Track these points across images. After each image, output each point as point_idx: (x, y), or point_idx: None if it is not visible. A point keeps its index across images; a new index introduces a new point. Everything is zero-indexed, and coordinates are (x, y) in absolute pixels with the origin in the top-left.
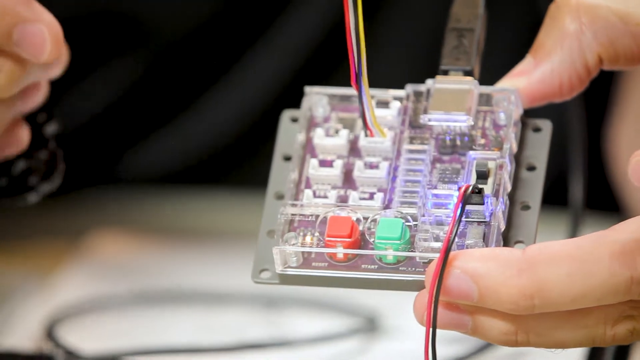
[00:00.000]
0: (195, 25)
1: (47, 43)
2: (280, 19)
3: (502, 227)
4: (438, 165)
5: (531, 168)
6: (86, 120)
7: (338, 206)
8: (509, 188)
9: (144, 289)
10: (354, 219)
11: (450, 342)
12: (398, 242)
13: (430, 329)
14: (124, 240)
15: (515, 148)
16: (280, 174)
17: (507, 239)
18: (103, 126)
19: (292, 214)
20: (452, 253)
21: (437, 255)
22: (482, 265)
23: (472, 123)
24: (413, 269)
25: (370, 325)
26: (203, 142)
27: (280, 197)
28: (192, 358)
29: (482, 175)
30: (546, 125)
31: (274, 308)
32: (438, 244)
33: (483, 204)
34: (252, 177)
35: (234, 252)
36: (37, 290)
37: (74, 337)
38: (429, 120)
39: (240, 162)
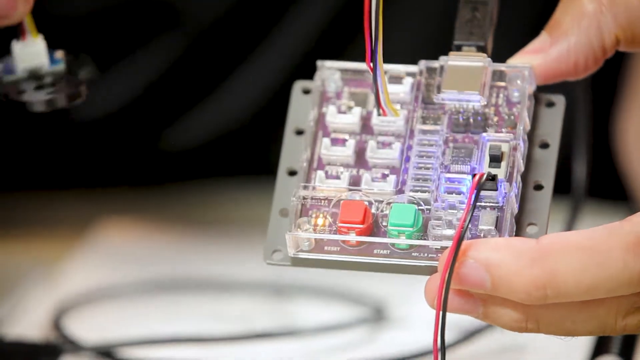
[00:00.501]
0: (223, 10)
1: None
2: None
3: (515, 211)
4: (451, 144)
5: (544, 145)
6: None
7: (350, 190)
8: (522, 169)
9: (151, 277)
10: (367, 203)
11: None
12: (411, 229)
13: (440, 323)
14: (132, 229)
15: (528, 126)
16: (292, 148)
17: (519, 221)
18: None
19: (304, 197)
20: (465, 242)
21: (450, 243)
22: (495, 255)
23: (485, 103)
24: (426, 254)
25: (378, 315)
26: (217, 129)
27: (292, 172)
28: (200, 347)
29: (496, 159)
30: (559, 101)
31: (283, 297)
32: (451, 232)
33: (497, 189)
34: (266, 163)
35: (243, 240)
36: (43, 279)
37: (81, 326)
38: (442, 99)
39: (257, 148)
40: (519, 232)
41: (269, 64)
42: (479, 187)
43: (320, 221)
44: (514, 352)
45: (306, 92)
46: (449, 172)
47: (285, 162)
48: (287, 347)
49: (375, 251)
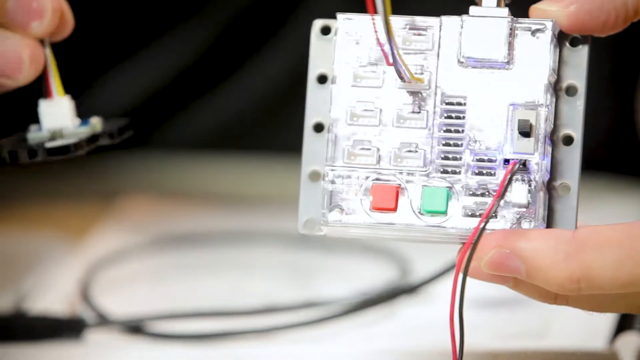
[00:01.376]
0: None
1: (46, 14)
2: None
3: (547, 179)
4: (477, 98)
5: (571, 91)
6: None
7: (379, 172)
8: (550, 128)
9: (174, 252)
10: (397, 184)
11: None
12: (444, 215)
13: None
14: (156, 204)
15: (554, 77)
16: (316, 99)
17: (551, 181)
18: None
19: (333, 180)
20: (501, 231)
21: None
22: (530, 246)
23: (510, 68)
24: (458, 236)
25: (399, 289)
26: (237, 109)
27: (319, 128)
28: (221, 321)
29: (526, 134)
30: (585, 38)
31: (303, 272)
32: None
33: (529, 172)
34: (286, 142)
35: (264, 215)
36: (68, 252)
37: (105, 300)
38: (465, 63)
39: (275, 128)
40: (551, 192)
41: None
42: (511, 175)
43: (352, 194)
44: (537, 330)
45: (325, 31)
46: (477, 147)
47: (311, 115)
48: (307, 320)
49: (409, 222)
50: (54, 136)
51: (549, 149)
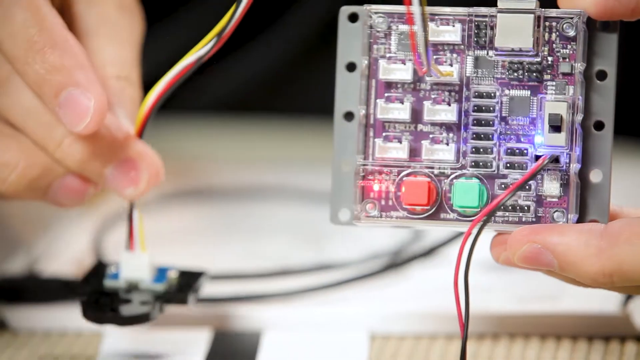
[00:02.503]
0: None
1: (89, 114)
2: None
3: (578, 169)
4: (507, 93)
5: (601, 75)
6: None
7: (410, 166)
8: (581, 117)
9: (186, 213)
10: (428, 179)
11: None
12: (477, 209)
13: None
14: (172, 167)
15: (584, 64)
16: (345, 88)
17: (583, 168)
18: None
19: (364, 175)
20: (533, 226)
21: (515, 228)
22: (562, 241)
23: (540, 59)
24: (492, 221)
25: (413, 252)
26: (253, 74)
27: (349, 116)
28: (236, 283)
29: (556, 128)
30: (614, 23)
31: (317, 235)
32: (515, 215)
33: (560, 165)
34: (301, 106)
35: (277, 177)
36: (80, 214)
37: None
38: (495, 55)
39: (290, 93)
40: (583, 179)
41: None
42: (539, 170)
43: (384, 187)
44: (550, 293)
45: (352, 18)
46: (508, 141)
47: (341, 104)
48: (322, 283)
49: (442, 215)
50: (129, 287)
51: (580, 137)
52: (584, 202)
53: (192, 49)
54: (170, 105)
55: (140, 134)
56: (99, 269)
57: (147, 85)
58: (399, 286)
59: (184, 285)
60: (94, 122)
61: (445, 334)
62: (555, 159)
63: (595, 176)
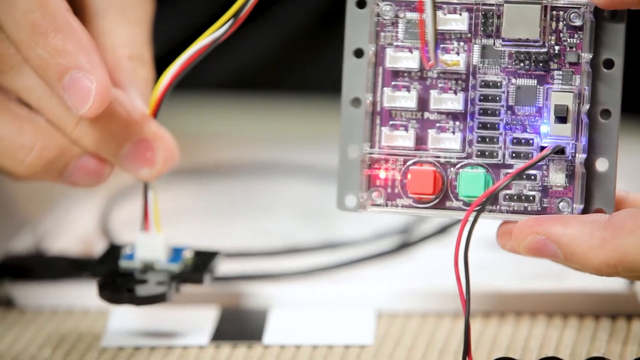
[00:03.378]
0: None
1: (91, 96)
2: None
3: (584, 158)
4: (514, 82)
5: (608, 64)
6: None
7: (417, 155)
8: (587, 107)
9: (194, 190)
10: (434, 168)
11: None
12: None
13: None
14: (178, 146)
15: (591, 54)
16: (353, 74)
17: (589, 159)
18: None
19: (371, 162)
20: (537, 217)
21: (521, 218)
22: (566, 232)
23: (546, 49)
24: (497, 209)
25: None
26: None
27: (356, 102)
28: (243, 262)
29: (562, 119)
30: (621, 12)
31: (324, 213)
32: (520, 204)
33: (566, 155)
34: (306, 83)
35: (283, 155)
36: (87, 192)
37: (124, 237)
38: (502, 45)
39: (296, 70)
40: (589, 168)
41: None
42: (540, 159)
43: (390, 175)
44: (555, 272)
45: (360, 5)
46: (514, 122)
47: (348, 91)
48: (328, 262)
49: (447, 204)
50: (145, 268)
51: (586, 126)
52: (590, 191)
53: (207, 30)
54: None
55: (155, 114)
56: (113, 250)
57: (157, 64)
58: (407, 265)
59: (199, 265)
60: (97, 105)
61: (453, 312)
62: (561, 150)
63: (601, 165)
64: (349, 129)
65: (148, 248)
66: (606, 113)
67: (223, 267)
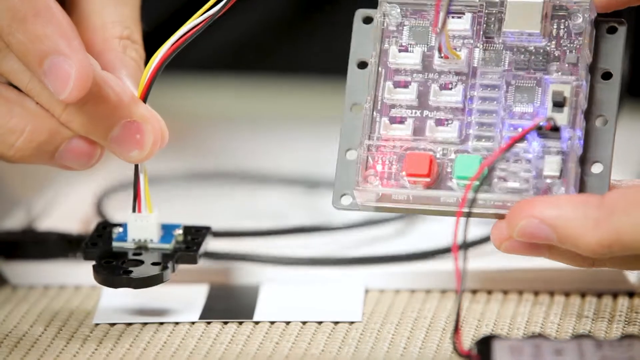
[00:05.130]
0: None
1: (71, 81)
2: None
3: (579, 153)
4: (513, 82)
5: (606, 75)
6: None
7: (414, 140)
8: (584, 106)
9: (187, 171)
10: (432, 152)
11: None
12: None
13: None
14: (171, 124)
15: (590, 58)
16: (356, 82)
17: (584, 159)
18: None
19: (369, 146)
20: (530, 200)
21: (516, 199)
22: (559, 214)
23: (547, 43)
24: (492, 202)
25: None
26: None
27: (357, 108)
28: (233, 241)
29: (559, 104)
30: (621, 26)
31: (316, 192)
32: (516, 184)
33: (560, 138)
34: (296, 64)
35: (274, 136)
36: (82, 172)
37: (118, 216)
38: (503, 39)
39: (285, 50)
40: (584, 169)
41: None
42: (529, 132)
43: (386, 167)
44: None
45: (367, 21)
46: (511, 117)
47: (350, 96)
48: (318, 241)
49: (442, 199)
50: (138, 247)
51: (583, 124)
52: (584, 185)
53: (201, 9)
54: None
55: (145, 96)
56: (103, 230)
57: (144, 42)
58: (396, 242)
59: (191, 243)
60: (77, 90)
61: (440, 289)
62: (555, 128)
63: (596, 168)
64: (348, 131)
65: (140, 228)
66: (603, 120)
67: (215, 245)
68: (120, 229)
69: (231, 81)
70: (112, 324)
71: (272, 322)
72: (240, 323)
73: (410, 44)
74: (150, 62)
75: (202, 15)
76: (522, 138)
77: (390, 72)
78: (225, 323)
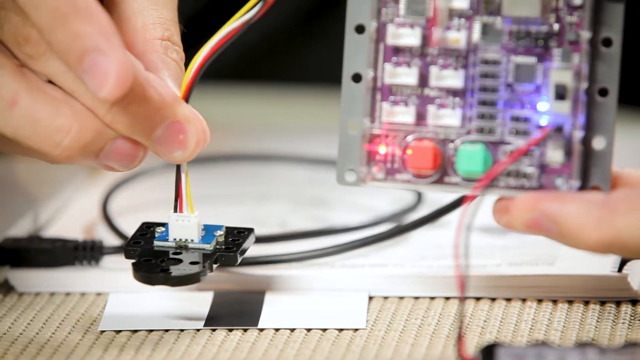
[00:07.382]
0: None
1: (110, 78)
2: None
3: (582, 135)
4: (513, 59)
5: (607, 42)
6: None
7: (417, 131)
8: (585, 86)
9: (190, 177)
10: (434, 143)
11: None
12: (481, 174)
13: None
14: None
15: (589, 34)
16: (354, 50)
17: (586, 137)
18: None
19: (372, 134)
20: (534, 194)
21: (518, 194)
22: (562, 210)
23: (546, 27)
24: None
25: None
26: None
27: (356, 78)
28: None
29: (561, 96)
30: None
31: (318, 199)
32: (518, 181)
33: (564, 132)
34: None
35: (283, 145)
36: (87, 179)
37: (123, 223)
38: (503, 24)
39: (286, 61)
40: (586, 146)
41: None
42: (537, 143)
43: (390, 150)
44: (546, 258)
45: None
46: (512, 108)
47: (349, 67)
48: (322, 245)
49: (446, 179)
50: (178, 247)
51: (584, 104)
52: (587, 168)
53: (237, 13)
54: None
55: (187, 97)
56: (147, 229)
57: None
58: (400, 249)
59: (231, 243)
60: (117, 87)
61: (444, 296)
62: (559, 128)
63: (598, 143)
64: (349, 104)
65: (181, 228)
66: (604, 91)
67: None
68: (163, 229)
69: (231, 91)
70: (118, 331)
71: (277, 329)
72: (245, 330)
73: (408, 22)
74: (191, 63)
75: (239, 19)
76: (528, 151)
77: (389, 52)
78: (230, 330)
